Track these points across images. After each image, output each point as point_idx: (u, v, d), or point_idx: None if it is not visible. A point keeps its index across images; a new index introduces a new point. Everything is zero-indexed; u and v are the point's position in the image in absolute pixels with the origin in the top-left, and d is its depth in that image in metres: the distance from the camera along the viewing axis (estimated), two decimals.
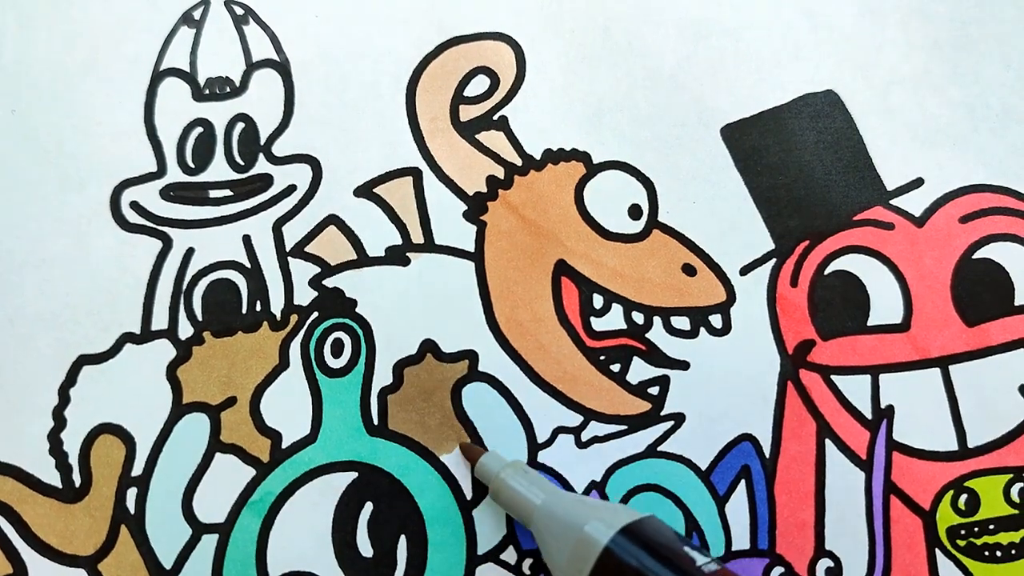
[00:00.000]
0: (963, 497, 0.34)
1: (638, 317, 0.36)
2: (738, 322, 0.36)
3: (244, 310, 0.36)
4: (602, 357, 0.36)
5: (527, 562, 0.34)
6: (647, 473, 0.35)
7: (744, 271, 0.37)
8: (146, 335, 0.36)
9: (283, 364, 0.36)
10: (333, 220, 0.37)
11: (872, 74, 0.38)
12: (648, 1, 0.39)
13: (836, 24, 0.38)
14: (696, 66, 0.38)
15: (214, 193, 0.37)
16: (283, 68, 0.38)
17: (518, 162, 0.38)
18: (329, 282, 0.36)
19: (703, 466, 0.35)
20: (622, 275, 0.36)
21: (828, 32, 0.38)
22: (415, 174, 0.37)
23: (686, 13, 0.38)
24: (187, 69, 0.38)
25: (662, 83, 0.38)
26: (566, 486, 0.35)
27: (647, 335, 0.36)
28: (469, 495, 0.34)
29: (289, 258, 0.37)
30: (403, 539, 0.34)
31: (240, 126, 0.38)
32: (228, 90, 0.38)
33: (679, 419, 0.35)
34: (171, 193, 0.37)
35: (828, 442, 0.35)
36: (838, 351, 0.36)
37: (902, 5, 0.38)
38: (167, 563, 0.34)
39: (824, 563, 0.34)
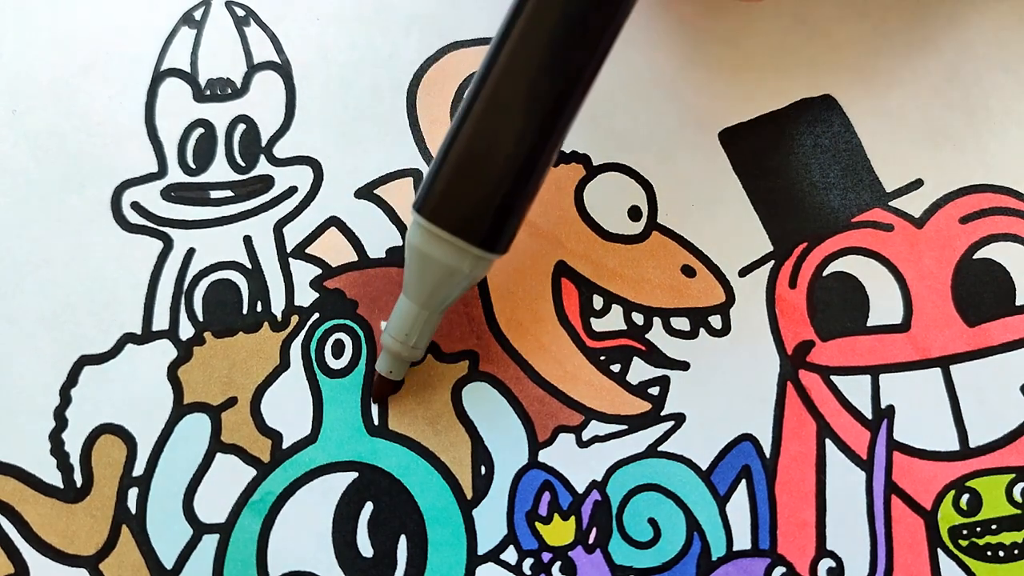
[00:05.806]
0: (965, 497, 0.34)
1: (638, 318, 0.36)
2: (737, 323, 0.36)
3: (245, 311, 0.36)
4: (602, 357, 0.36)
5: (528, 562, 0.34)
6: (648, 473, 0.35)
7: (743, 273, 0.37)
8: (147, 335, 0.36)
9: (284, 364, 0.36)
10: (334, 222, 0.37)
11: (871, 77, 0.38)
12: (648, 6, 0.39)
13: (834, 28, 0.38)
14: (695, 71, 0.38)
15: (215, 194, 0.37)
16: (284, 70, 0.38)
17: None
18: (330, 283, 0.36)
19: (704, 466, 0.35)
20: (622, 276, 0.37)
21: (826, 37, 0.38)
22: (416, 176, 0.37)
23: (686, 19, 0.39)
24: (188, 70, 0.38)
25: (662, 87, 0.38)
26: (567, 485, 0.35)
27: (647, 335, 0.36)
28: (469, 495, 0.35)
29: (290, 259, 0.37)
30: (403, 539, 0.34)
31: (241, 127, 0.38)
32: (229, 91, 0.38)
33: (679, 419, 0.35)
34: (172, 194, 0.37)
35: (828, 442, 0.35)
36: (838, 352, 0.36)
37: (901, 8, 0.39)
38: (168, 563, 0.34)
39: (826, 563, 0.34)
